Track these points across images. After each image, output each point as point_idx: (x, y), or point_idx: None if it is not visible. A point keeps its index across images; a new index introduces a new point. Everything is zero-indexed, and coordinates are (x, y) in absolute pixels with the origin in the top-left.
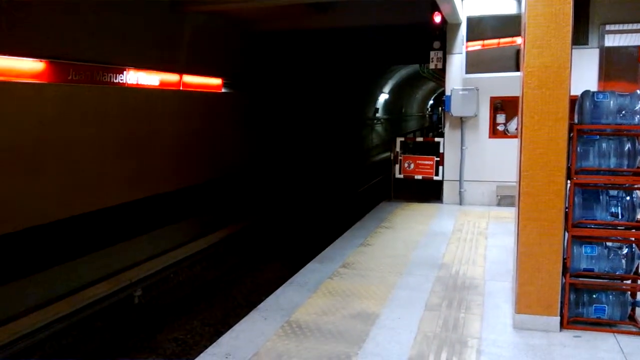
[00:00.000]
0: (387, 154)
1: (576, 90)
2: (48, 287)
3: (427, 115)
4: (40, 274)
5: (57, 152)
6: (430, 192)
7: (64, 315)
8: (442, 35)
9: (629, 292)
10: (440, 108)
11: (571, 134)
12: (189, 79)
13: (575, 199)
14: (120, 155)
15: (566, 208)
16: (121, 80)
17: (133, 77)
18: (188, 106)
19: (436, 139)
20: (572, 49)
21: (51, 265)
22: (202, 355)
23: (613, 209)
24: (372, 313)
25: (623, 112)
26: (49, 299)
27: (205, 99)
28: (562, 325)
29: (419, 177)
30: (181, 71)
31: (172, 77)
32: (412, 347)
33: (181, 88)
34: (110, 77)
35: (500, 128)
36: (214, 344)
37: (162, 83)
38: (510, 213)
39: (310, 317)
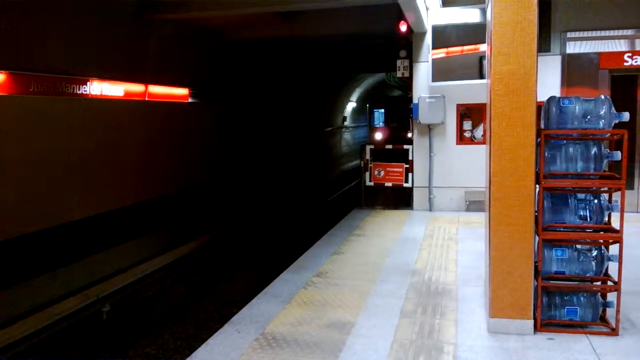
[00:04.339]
0: (356, 162)
1: (540, 97)
2: (11, 304)
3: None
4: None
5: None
6: (401, 198)
7: (28, 334)
8: (409, 44)
9: (600, 294)
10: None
11: (539, 139)
12: (155, 89)
13: (545, 203)
14: (85, 168)
15: (536, 212)
16: (85, 91)
17: (97, 88)
18: (153, 117)
19: (405, 147)
20: (537, 55)
21: (14, 282)
22: None
23: (581, 212)
24: (347, 322)
25: (588, 116)
26: (12, 316)
27: (171, 109)
28: (536, 328)
29: (389, 184)
30: (147, 81)
31: (137, 88)
32: (389, 355)
33: (147, 98)
34: (74, 88)
35: (467, 135)
36: (188, 358)
37: (127, 93)
38: (478, 218)
39: (286, 328)
